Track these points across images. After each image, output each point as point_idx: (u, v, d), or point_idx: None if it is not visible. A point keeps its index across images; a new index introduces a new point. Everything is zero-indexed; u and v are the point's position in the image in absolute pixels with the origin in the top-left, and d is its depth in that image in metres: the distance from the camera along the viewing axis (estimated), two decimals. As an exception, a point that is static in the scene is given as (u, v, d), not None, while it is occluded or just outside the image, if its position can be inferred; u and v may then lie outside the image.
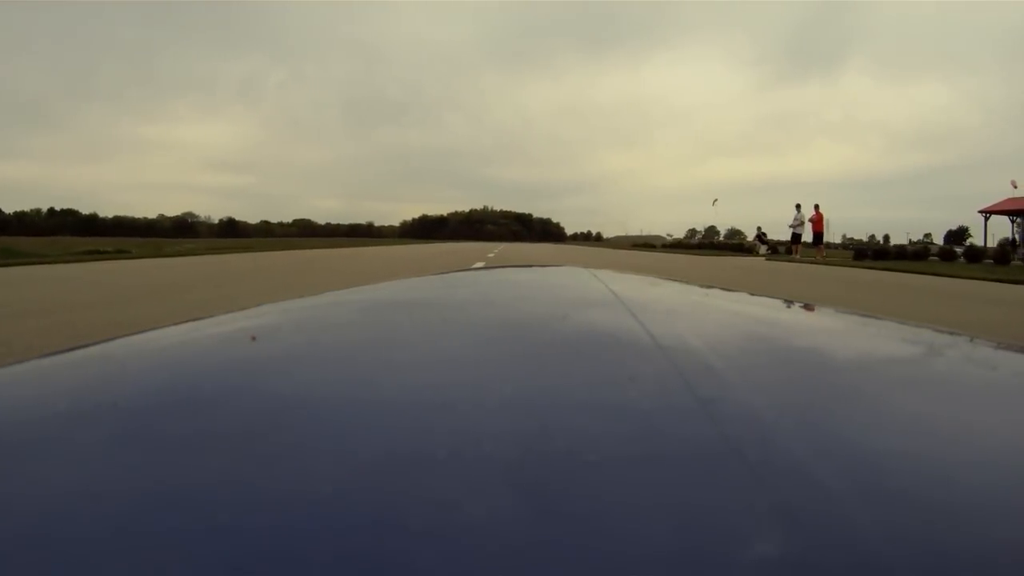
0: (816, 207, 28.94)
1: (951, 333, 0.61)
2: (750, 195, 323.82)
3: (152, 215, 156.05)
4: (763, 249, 36.03)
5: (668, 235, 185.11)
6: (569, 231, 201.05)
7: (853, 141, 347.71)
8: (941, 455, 0.30)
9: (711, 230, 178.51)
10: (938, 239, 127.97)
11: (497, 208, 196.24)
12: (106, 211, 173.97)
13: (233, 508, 0.23)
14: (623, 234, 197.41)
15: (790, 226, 28.33)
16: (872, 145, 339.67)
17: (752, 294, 0.86)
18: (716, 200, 75.09)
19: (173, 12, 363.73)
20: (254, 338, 0.51)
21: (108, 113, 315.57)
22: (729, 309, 0.77)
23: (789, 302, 0.80)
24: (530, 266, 1.18)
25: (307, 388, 0.38)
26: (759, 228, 40.20)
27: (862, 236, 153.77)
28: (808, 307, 0.79)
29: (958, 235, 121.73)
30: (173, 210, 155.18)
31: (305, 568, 0.20)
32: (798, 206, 28.65)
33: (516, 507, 0.23)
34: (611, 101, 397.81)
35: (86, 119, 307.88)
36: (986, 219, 36.73)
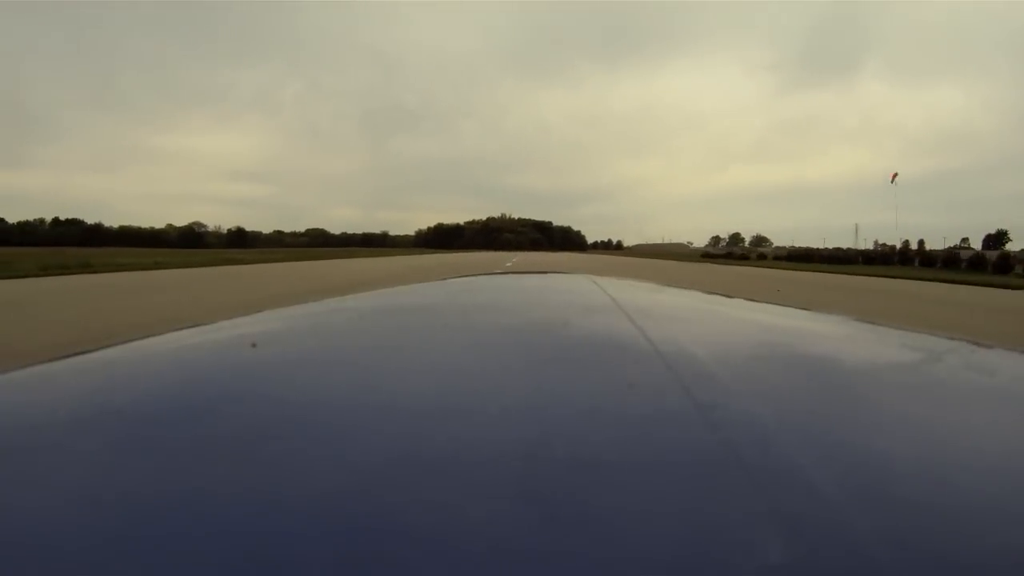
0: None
1: (949, 339, 0.61)
2: (768, 201, 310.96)
3: (160, 225, 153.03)
4: None
5: (688, 243, 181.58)
6: (589, 239, 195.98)
7: (869, 145, 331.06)
8: (940, 461, 0.30)
9: (735, 237, 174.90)
10: (975, 243, 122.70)
11: (515, 216, 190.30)
12: (114, 221, 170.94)
13: (237, 512, 0.24)
14: (643, 242, 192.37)
15: None
16: (887, 149, 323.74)
17: (751, 301, 0.86)
18: (895, 175, 60.48)
19: (189, 21, 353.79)
20: (254, 344, 0.51)
21: (121, 123, 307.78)
22: (728, 316, 0.77)
23: (787, 308, 0.80)
24: (532, 273, 1.18)
25: (311, 393, 0.38)
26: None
27: (894, 241, 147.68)
28: (807, 314, 0.78)
29: (997, 239, 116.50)
30: (186, 221, 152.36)
31: (308, 571, 0.20)
32: None
33: (518, 512, 0.23)
34: (628, 108, 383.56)
35: (98, 129, 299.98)
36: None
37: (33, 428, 0.34)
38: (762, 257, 52.33)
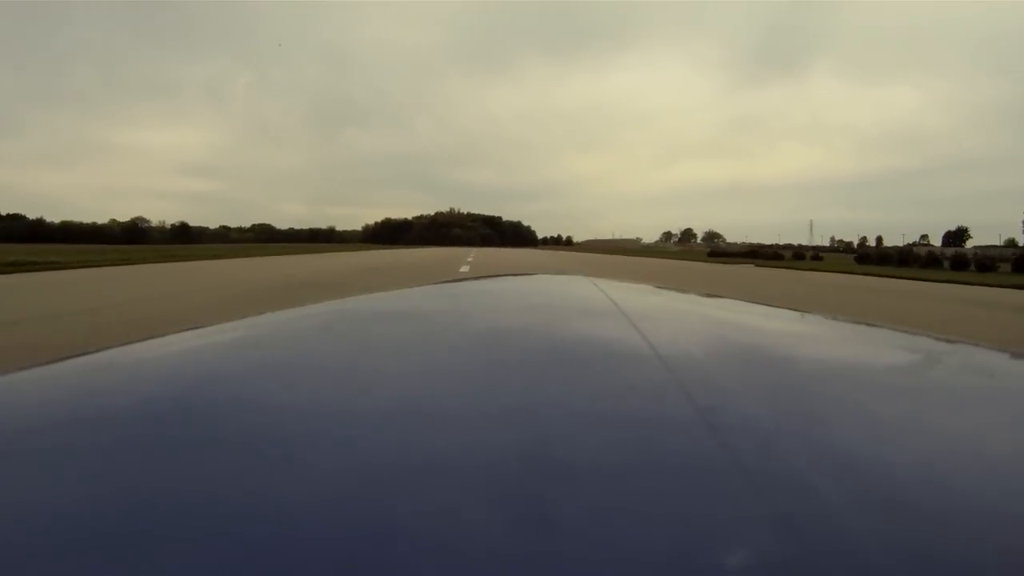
0: None
1: (948, 340, 0.61)
2: (719, 198, 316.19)
3: (104, 220, 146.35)
4: None
5: (638, 238, 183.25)
6: (539, 235, 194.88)
7: (822, 143, 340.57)
8: (939, 463, 0.30)
9: (687, 233, 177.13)
10: (935, 240, 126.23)
11: (464, 211, 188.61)
12: (58, 216, 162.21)
13: (235, 514, 0.24)
14: (593, 238, 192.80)
15: None
16: (840, 147, 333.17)
17: (750, 303, 0.86)
18: None
19: (135, 11, 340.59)
20: (255, 346, 0.53)
21: (67, 117, 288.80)
22: (728, 318, 0.77)
23: (787, 311, 0.80)
24: (530, 274, 1.15)
25: (311, 396, 0.38)
26: None
27: (851, 238, 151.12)
28: (806, 316, 0.78)
29: (957, 235, 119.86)
30: (133, 216, 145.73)
31: (306, 572, 0.20)
32: None
33: (517, 515, 0.23)
34: (578, 104, 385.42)
35: (42, 122, 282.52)
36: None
37: (34, 429, 0.34)
38: (817, 258, 41.32)
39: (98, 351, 0.52)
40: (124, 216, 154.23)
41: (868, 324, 0.70)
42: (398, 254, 36.65)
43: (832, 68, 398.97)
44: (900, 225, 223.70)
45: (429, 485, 0.26)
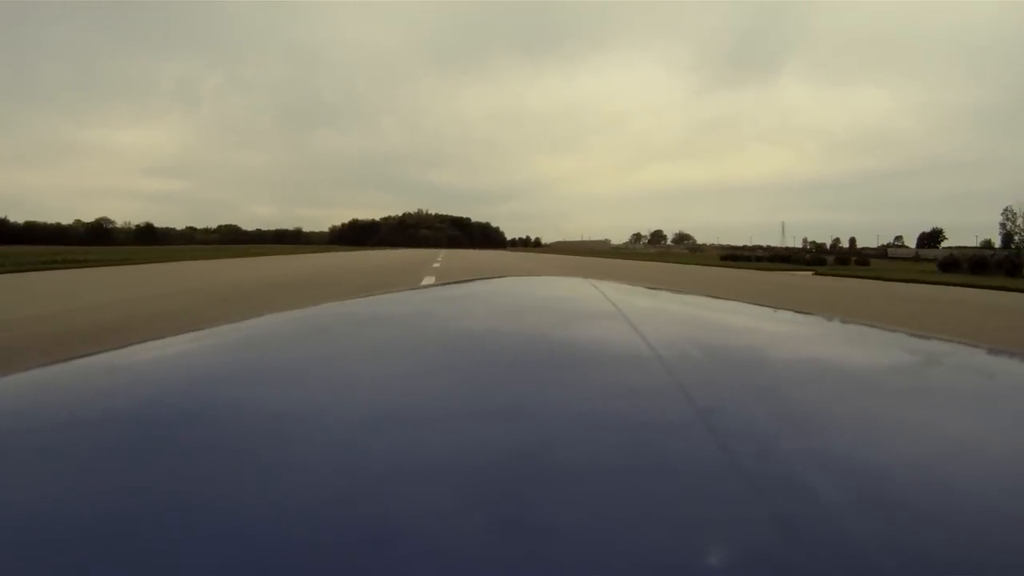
0: None
1: (949, 341, 0.61)
2: (689, 199, 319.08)
3: (68, 221, 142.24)
4: None
5: (607, 240, 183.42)
6: (507, 236, 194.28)
7: (792, 145, 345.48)
8: (939, 465, 0.30)
9: (657, 234, 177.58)
10: (909, 242, 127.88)
11: (433, 212, 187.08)
12: (21, 217, 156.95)
13: (234, 516, 0.24)
14: (562, 239, 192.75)
15: None
16: (809, 149, 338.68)
17: (750, 304, 0.86)
18: None
19: (104, 10, 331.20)
20: (254, 348, 0.53)
21: (35, 116, 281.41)
22: (728, 320, 0.77)
23: (787, 311, 0.81)
24: (531, 276, 1.16)
25: (306, 399, 0.38)
26: None
27: (824, 240, 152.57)
28: (806, 316, 0.78)
29: (932, 237, 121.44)
30: (99, 216, 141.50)
31: (302, 574, 0.20)
32: None
33: (514, 518, 0.23)
34: (547, 106, 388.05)
35: (8, 121, 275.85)
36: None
37: (34, 431, 0.34)
38: (863, 263, 36.46)
39: (96, 353, 0.52)
40: (90, 216, 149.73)
41: (868, 325, 0.69)
42: (350, 258, 30.00)
43: (802, 71, 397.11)
44: (872, 226, 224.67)
45: (428, 488, 0.26)
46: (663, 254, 74.31)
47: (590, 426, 0.33)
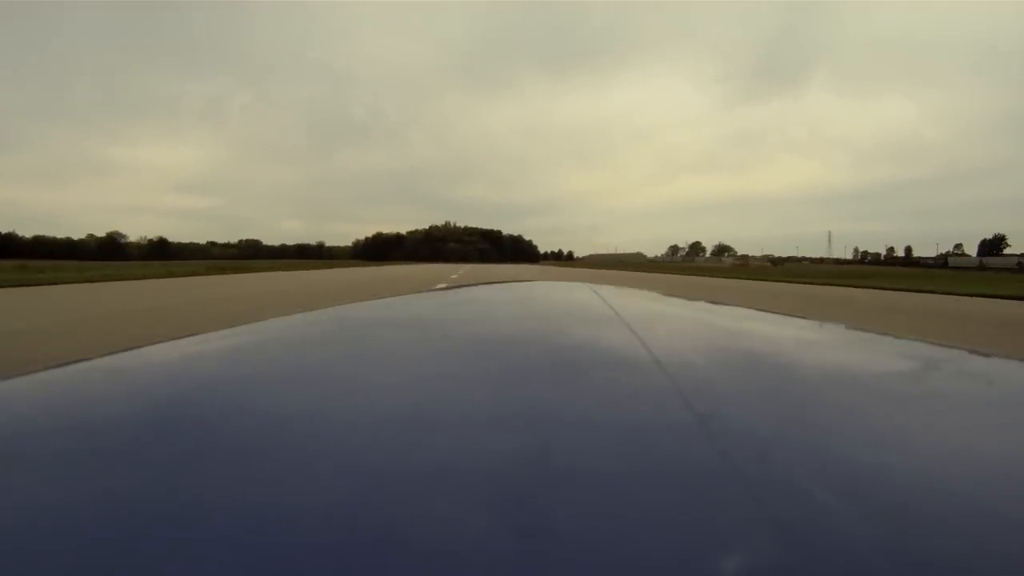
0: None
1: (946, 347, 0.61)
2: (721, 211, 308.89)
3: (80, 235, 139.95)
4: None
5: (639, 252, 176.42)
6: (540, 250, 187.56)
7: (826, 155, 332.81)
8: (937, 470, 0.30)
9: (696, 246, 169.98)
10: (970, 249, 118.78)
11: (461, 225, 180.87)
12: (28, 231, 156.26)
13: (233, 519, 0.24)
14: (595, 252, 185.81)
15: None
16: (840, 159, 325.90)
17: (749, 310, 0.87)
18: None
19: (137, 31, 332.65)
20: (253, 353, 0.53)
21: (67, 134, 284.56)
22: (727, 325, 0.77)
23: (786, 317, 0.81)
24: (532, 282, 1.15)
25: (310, 402, 0.38)
26: None
27: (877, 249, 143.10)
28: (805, 323, 0.78)
29: (995, 244, 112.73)
30: (123, 232, 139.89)
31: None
32: None
33: (515, 522, 0.23)
34: (577, 120, 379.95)
35: (38, 139, 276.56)
36: None
37: (36, 434, 0.34)
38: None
39: (99, 357, 0.52)
40: (106, 232, 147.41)
41: (867, 331, 0.70)
42: (346, 277, 21.61)
43: (830, 81, 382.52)
44: (922, 235, 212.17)
45: (430, 490, 0.26)
46: (739, 268, 55.90)
47: (590, 431, 0.33)
